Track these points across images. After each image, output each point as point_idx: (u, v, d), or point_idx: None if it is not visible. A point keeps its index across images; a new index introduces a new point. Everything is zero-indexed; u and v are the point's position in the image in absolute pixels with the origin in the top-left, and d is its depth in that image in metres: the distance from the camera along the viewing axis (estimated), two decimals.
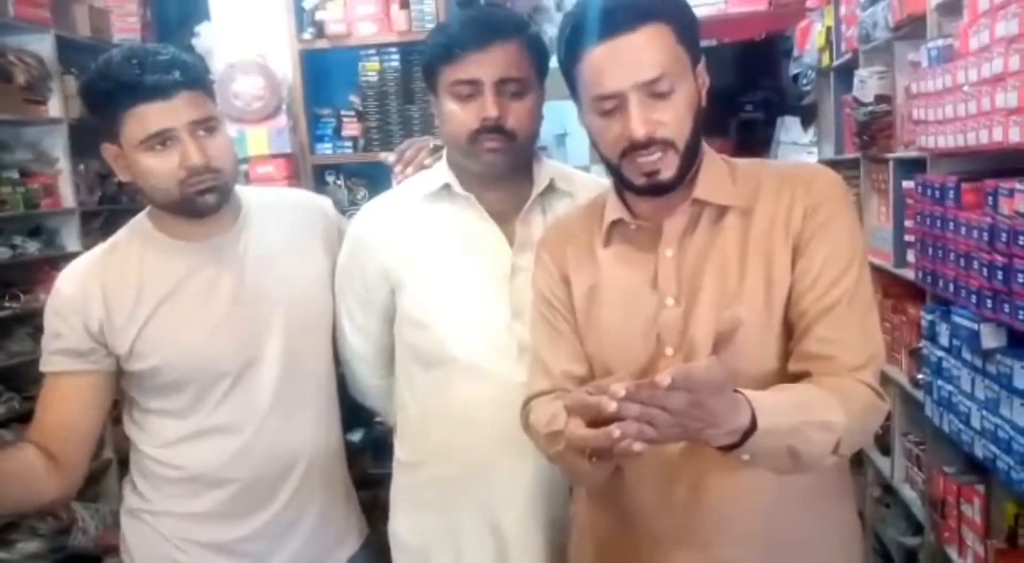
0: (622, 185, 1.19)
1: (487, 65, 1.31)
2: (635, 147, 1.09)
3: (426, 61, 1.40)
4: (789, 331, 1.14)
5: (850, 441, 1.06)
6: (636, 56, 1.07)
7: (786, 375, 1.12)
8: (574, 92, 1.17)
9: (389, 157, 1.71)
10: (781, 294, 1.13)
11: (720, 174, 1.18)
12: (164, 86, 1.29)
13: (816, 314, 1.11)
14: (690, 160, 1.14)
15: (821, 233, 1.13)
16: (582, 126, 1.20)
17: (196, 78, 1.34)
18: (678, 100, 1.10)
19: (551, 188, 1.44)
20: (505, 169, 1.38)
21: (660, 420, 0.89)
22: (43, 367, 1.42)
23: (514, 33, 1.34)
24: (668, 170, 1.11)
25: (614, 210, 1.20)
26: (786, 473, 1.06)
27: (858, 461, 2.93)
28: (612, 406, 0.88)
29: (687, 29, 1.12)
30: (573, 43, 1.12)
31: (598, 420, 0.92)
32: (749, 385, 1.01)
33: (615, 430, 0.88)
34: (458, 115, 1.34)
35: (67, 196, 3.52)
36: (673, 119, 1.09)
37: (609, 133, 1.12)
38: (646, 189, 1.14)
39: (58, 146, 3.52)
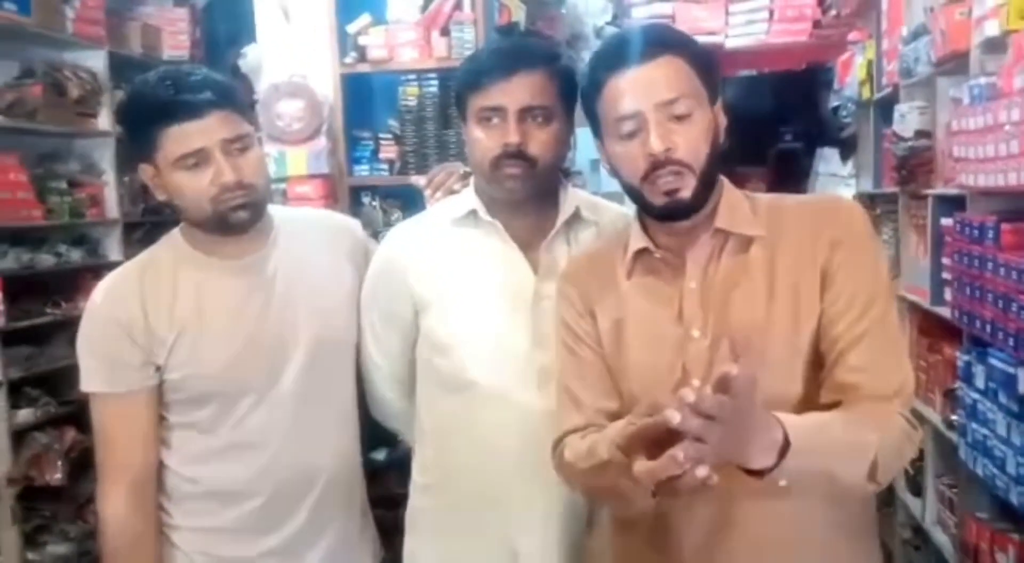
0: (644, 211, 1.21)
1: (511, 93, 1.33)
2: (655, 166, 1.12)
3: (456, 89, 1.43)
4: (819, 362, 1.14)
5: (885, 466, 1.06)
6: (655, 81, 1.13)
7: (817, 406, 1.12)
8: (596, 129, 1.21)
9: (420, 180, 1.73)
10: (809, 325, 1.14)
11: (740, 205, 1.20)
12: (197, 106, 1.33)
13: (846, 344, 1.12)
14: (707, 187, 1.16)
15: (848, 264, 1.14)
16: (603, 162, 1.23)
17: (228, 97, 1.38)
18: (696, 126, 1.13)
19: (576, 217, 1.45)
20: (527, 195, 1.39)
21: (713, 436, 0.88)
22: (105, 387, 1.42)
23: (541, 62, 1.36)
24: (687, 190, 1.13)
25: (638, 240, 1.22)
26: (824, 497, 1.07)
27: (889, 500, 2.87)
28: (677, 418, 0.88)
29: (704, 66, 1.16)
30: (595, 77, 1.17)
31: (650, 454, 0.92)
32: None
33: (679, 453, 0.88)
34: (483, 141, 1.36)
35: (112, 207, 3.61)
36: (691, 142, 1.12)
37: (630, 156, 1.14)
38: (666, 210, 1.15)
39: (105, 158, 3.61)
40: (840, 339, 1.12)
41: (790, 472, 0.96)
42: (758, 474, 0.97)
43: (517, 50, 1.40)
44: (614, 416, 1.20)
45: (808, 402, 1.13)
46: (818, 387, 1.14)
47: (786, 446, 0.95)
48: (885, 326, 1.13)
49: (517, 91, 1.33)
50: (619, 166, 1.17)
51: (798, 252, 1.16)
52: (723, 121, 1.19)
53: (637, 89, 1.13)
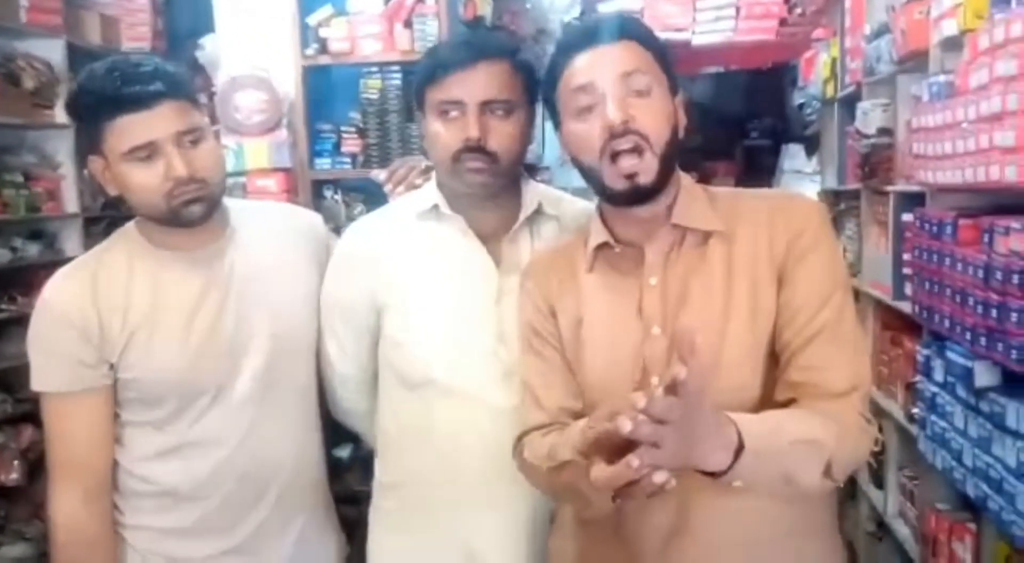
0: (603, 197, 1.19)
1: (471, 86, 1.31)
2: (612, 136, 1.10)
3: (416, 82, 1.40)
4: (775, 360, 1.14)
5: (841, 462, 1.06)
6: (613, 56, 1.12)
7: (773, 404, 1.12)
8: (556, 120, 1.19)
9: (380, 175, 1.71)
10: (766, 322, 1.13)
11: (698, 200, 1.19)
12: (145, 97, 1.29)
13: (800, 343, 1.11)
14: (667, 170, 1.14)
15: (803, 263, 1.13)
16: (564, 153, 1.21)
17: (179, 88, 1.33)
18: (656, 102, 1.12)
19: (539, 212, 1.44)
20: (489, 190, 1.38)
21: (667, 441, 0.87)
22: (59, 386, 1.38)
23: (502, 55, 1.35)
24: (647, 174, 1.11)
25: (598, 234, 1.20)
26: (781, 496, 1.07)
27: (851, 493, 2.90)
28: (628, 426, 0.86)
29: (663, 56, 1.17)
30: (555, 64, 1.16)
31: (609, 458, 0.91)
32: (735, 411, 1.00)
33: (633, 460, 0.87)
34: (442, 135, 1.34)
35: (70, 201, 3.53)
36: (650, 117, 1.11)
37: (586, 132, 1.13)
38: (627, 194, 1.13)
39: (63, 151, 3.54)
40: (794, 338, 1.11)
41: (745, 473, 0.96)
42: (713, 475, 0.96)
43: (477, 43, 1.38)
44: (577, 415, 1.19)
45: (766, 401, 1.13)
46: (775, 385, 1.14)
47: (740, 447, 0.95)
48: (840, 324, 1.12)
49: (477, 84, 1.31)
50: (577, 147, 1.15)
51: (755, 248, 1.15)
52: (683, 118, 1.18)
53: (595, 64, 1.12)
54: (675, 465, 0.89)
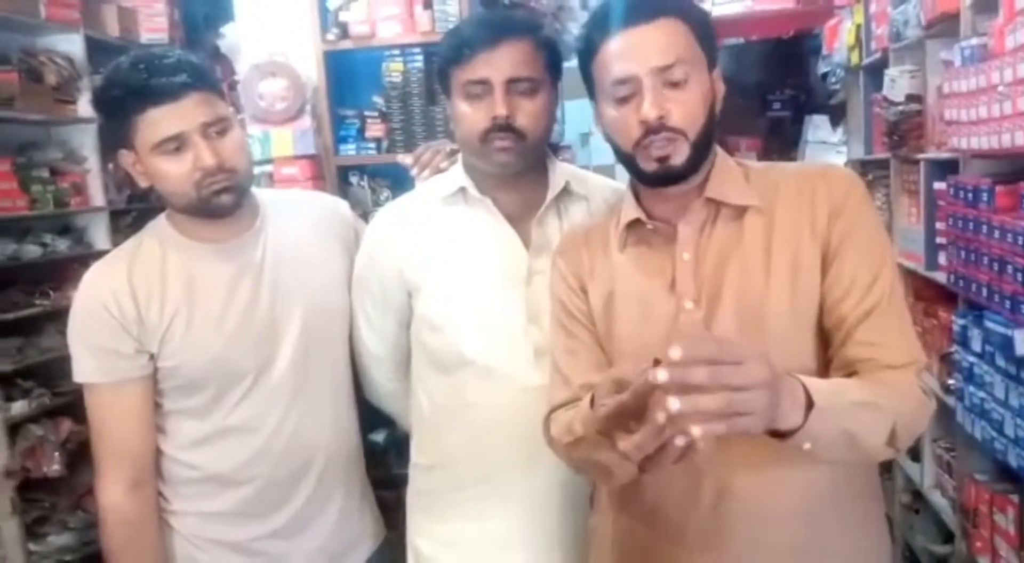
0: (636, 177, 1.19)
1: (496, 65, 1.31)
2: (648, 132, 1.09)
3: (439, 64, 1.40)
4: (823, 336, 1.13)
5: (904, 432, 1.05)
6: (652, 44, 1.09)
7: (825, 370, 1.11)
8: (592, 92, 1.18)
9: (407, 159, 1.71)
10: (810, 296, 1.12)
11: (733, 174, 1.18)
12: (171, 89, 1.30)
13: (855, 320, 1.10)
14: (702, 154, 1.13)
15: (850, 238, 1.12)
16: (598, 128, 1.20)
17: (204, 79, 1.35)
18: (692, 92, 1.10)
19: (566, 191, 1.43)
20: (517, 168, 1.37)
21: (756, 402, 0.82)
22: (100, 377, 1.40)
23: (525, 33, 1.34)
24: (679, 156, 1.11)
25: (631, 211, 1.20)
26: (843, 463, 1.06)
27: (887, 466, 2.89)
28: (662, 376, 0.79)
29: (703, 30, 1.14)
30: (592, 38, 1.14)
31: (625, 428, 0.88)
32: None
33: (661, 415, 0.79)
34: (469, 115, 1.34)
35: (96, 195, 3.55)
36: (686, 109, 1.10)
37: (623, 121, 1.12)
38: (658, 176, 1.13)
39: (87, 145, 3.55)
40: (848, 316, 1.10)
41: (814, 435, 0.94)
42: (783, 436, 0.94)
43: (499, 21, 1.38)
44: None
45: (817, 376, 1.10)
46: (825, 364, 1.12)
47: (810, 405, 0.93)
48: (892, 299, 1.11)
49: (502, 62, 1.31)
50: (613, 132, 1.15)
51: (795, 223, 1.14)
52: (721, 88, 1.16)
53: (633, 52, 1.09)
54: (760, 428, 0.87)
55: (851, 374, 1.09)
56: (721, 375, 0.81)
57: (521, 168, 1.38)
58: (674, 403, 0.79)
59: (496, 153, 1.34)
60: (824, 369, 1.13)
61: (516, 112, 1.32)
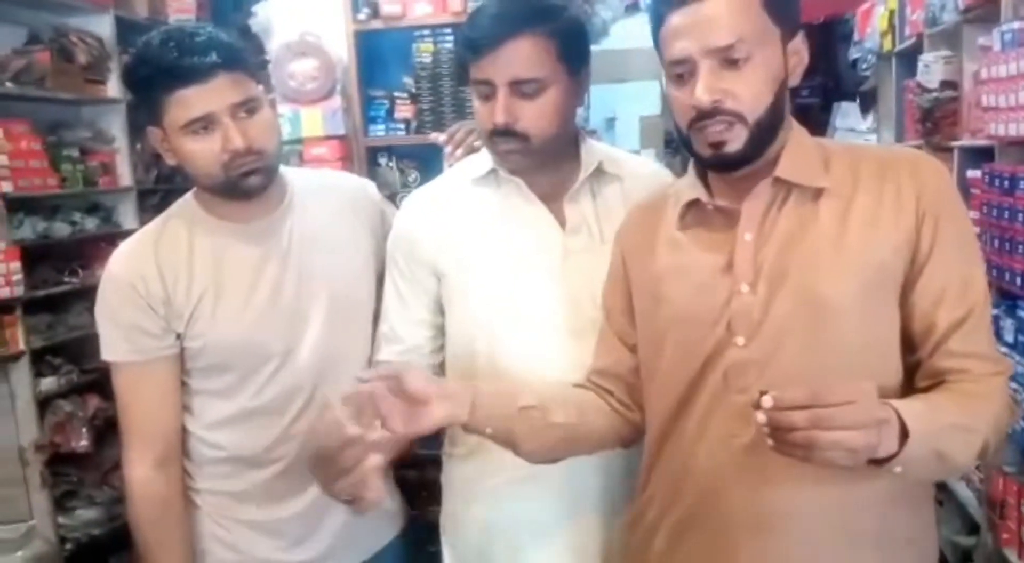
0: (693, 159, 1.13)
1: (499, 66, 1.27)
2: (701, 116, 1.04)
3: (456, 54, 1.38)
4: (906, 341, 1.07)
5: (993, 445, 1.02)
6: (712, 21, 1.01)
7: (910, 391, 1.06)
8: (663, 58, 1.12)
9: (440, 137, 1.70)
10: (884, 294, 1.05)
11: (809, 154, 1.10)
12: (202, 68, 1.28)
13: (947, 329, 1.04)
14: (765, 136, 1.06)
15: (942, 239, 1.05)
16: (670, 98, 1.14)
17: (234, 59, 1.32)
18: (755, 70, 1.02)
19: (599, 171, 1.41)
20: (526, 167, 1.36)
21: (863, 438, 0.88)
22: (127, 356, 1.40)
23: (536, 24, 1.28)
24: (735, 142, 1.04)
25: (692, 190, 1.14)
26: (926, 479, 1.07)
27: None
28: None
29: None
30: (657, 10, 1.07)
31: None
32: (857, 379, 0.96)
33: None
34: (480, 112, 1.33)
35: (124, 174, 3.58)
36: (745, 90, 1.02)
37: (679, 102, 1.06)
38: (713, 162, 1.08)
39: (116, 125, 3.58)
40: (940, 324, 1.05)
41: (906, 460, 0.92)
42: (879, 463, 0.92)
43: (509, 14, 1.30)
44: (605, 376, 1.25)
45: (903, 388, 1.07)
46: (898, 367, 1.07)
47: (905, 432, 0.91)
48: (985, 304, 1.06)
49: (505, 64, 1.27)
50: (672, 110, 1.10)
51: (875, 213, 1.06)
52: (802, 59, 1.08)
53: (690, 31, 1.02)
54: (862, 461, 0.90)
55: (938, 382, 1.05)
56: (831, 418, 0.87)
57: (531, 166, 1.35)
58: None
59: (502, 155, 1.33)
60: (895, 371, 1.07)
61: (519, 116, 1.28)
